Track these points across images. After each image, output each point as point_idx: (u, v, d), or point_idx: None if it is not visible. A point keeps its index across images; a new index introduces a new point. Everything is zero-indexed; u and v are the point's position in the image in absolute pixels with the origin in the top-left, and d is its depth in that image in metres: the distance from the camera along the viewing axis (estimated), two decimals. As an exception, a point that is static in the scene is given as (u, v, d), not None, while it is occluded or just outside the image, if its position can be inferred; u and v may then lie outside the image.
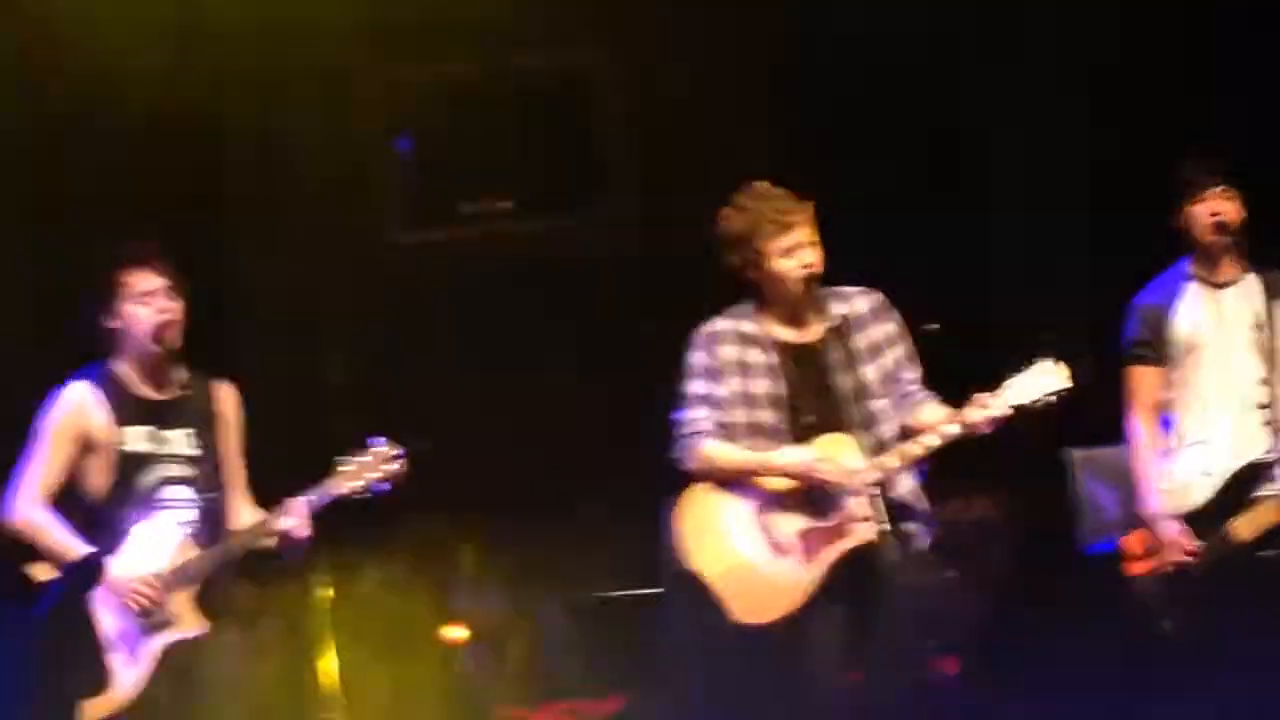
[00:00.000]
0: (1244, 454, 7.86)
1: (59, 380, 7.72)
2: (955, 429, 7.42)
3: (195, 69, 10.54)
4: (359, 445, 7.67)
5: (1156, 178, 8.18)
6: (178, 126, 10.54)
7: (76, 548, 7.50)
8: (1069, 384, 7.37)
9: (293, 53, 10.57)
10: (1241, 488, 7.83)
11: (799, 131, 10.58)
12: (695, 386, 7.71)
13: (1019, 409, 7.38)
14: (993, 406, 7.38)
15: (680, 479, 7.68)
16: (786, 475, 7.52)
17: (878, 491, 7.32)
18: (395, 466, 7.62)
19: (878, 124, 10.75)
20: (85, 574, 7.44)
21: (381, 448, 7.65)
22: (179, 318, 7.65)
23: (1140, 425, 8.04)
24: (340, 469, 7.64)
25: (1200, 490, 7.90)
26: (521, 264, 10.80)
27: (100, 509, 7.64)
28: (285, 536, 7.60)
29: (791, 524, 7.53)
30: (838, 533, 7.46)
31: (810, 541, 7.49)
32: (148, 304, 7.64)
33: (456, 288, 10.76)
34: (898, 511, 7.44)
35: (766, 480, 7.58)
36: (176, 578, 7.52)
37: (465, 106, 10.91)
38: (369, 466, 7.63)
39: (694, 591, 7.50)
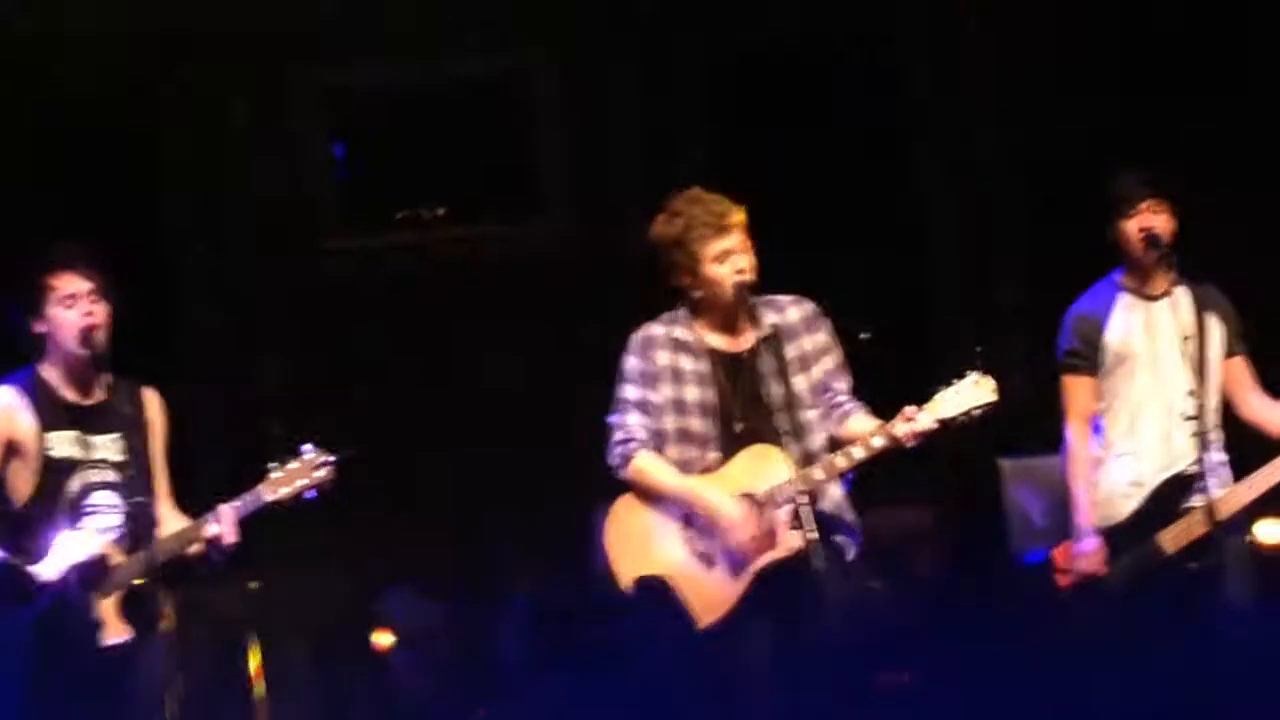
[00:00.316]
0: (1172, 465, 7.78)
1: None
2: (881, 442, 7.29)
3: (134, 75, 10.45)
4: (290, 452, 7.47)
5: (1093, 187, 8.09)
6: (114, 132, 10.44)
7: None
8: (995, 398, 7.24)
9: (230, 58, 10.49)
10: (1169, 499, 7.75)
11: (736, 136, 10.53)
12: (628, 391, 7.61)
13: (944, 423, 7.25)
14: (919, 420, 7.24)
15: (612, 483, 7.59)
16: (705, 513, 7.44)
17: (806, 502, 7.17)
18: (324, 474, 7.45)
19: (816, 127, 10.70)
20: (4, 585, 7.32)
21: (311, 455, 7.49)
22: (104, 321, 7.47)
23: (1075, 435, 7.95)
24: (270, 475, 7.47)
25: (1128, 501, 7.83)
26: (455, 269, 10.69)
27: (24, 515, 7.43)
28: (212, 543, 7.40)
29: (675, 545, 7.49)
30: (765, 544, 7.34)
31: (737, 552, 7.38)
32: (73, 307, 7.45)
33: (390, 292, 10.65)
34: (826, 523, 7.32)
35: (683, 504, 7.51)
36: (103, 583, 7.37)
37: (399, 113, 10.83)
38: (299, 474, 7.45)
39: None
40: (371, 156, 10.91)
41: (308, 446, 7.49)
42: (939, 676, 8.81)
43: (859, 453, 7.31)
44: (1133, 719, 7.54)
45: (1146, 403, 7.88)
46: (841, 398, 7.58)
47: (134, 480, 7.48)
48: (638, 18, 10.73)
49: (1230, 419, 7.90)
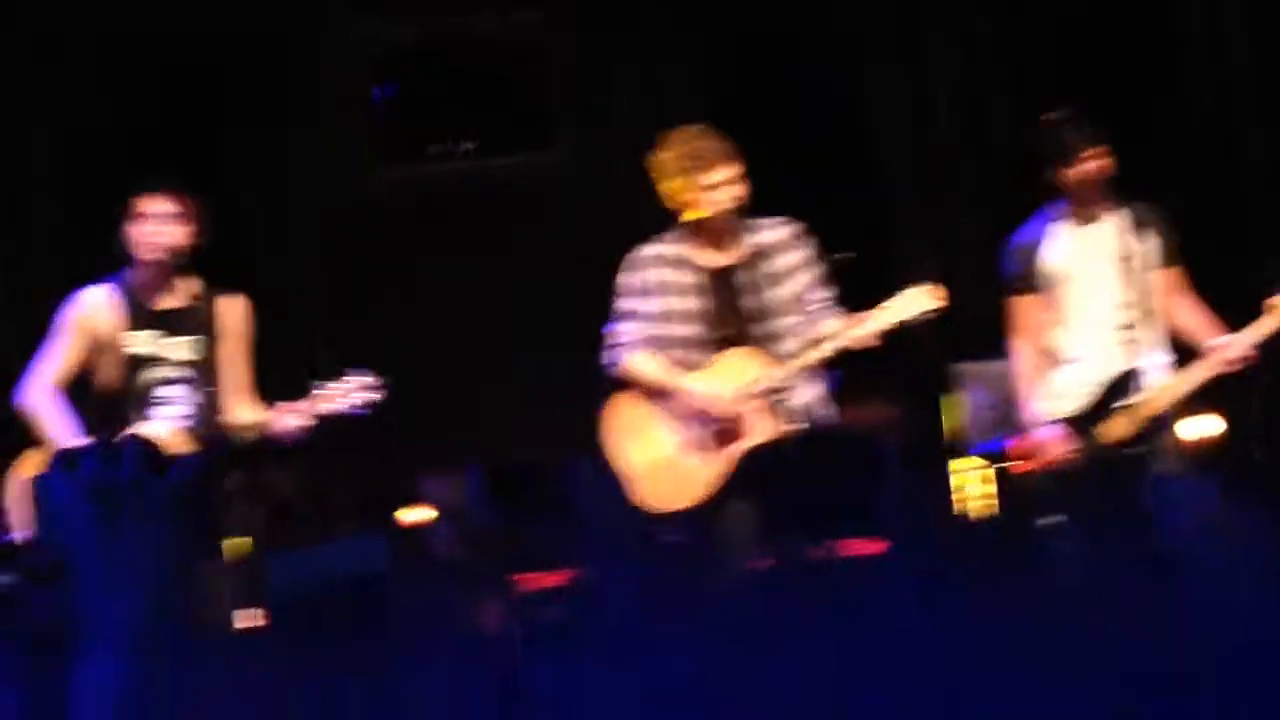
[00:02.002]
0: (1110, 369, 7.68)
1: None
2: (843, 340, 7.34)
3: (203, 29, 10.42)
4: (335, 374, 7.36)
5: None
6: (186, 80, 10.42)
7: (63, 436, 7.23)
8: (942, 304, 7.32)
9: (288, 14, 10.46)
10: (1108, 397, 7.67)
11: (729, 78, 10.49)
12: (625, 304, 7.61)
13: (891, 327, 7.33)
14: (876, 320, 7.32)
15: (610, 385, 7.62)
16: (689, 402, 7.47)
17: (781, 397, 7.30)
18: (372, 395, 7.42)
19: (798, 76, 10.67)
20: (68, 462, 7.28)
21: (361, 377, 7.46)
22: (176, 240, 7.43)
23: (1021, 349, 7.85)
24: (314, 393, 7.44)
25: (1074, 400, 7.72)
26: (481, 196, 10.66)
27: (107, 404, 7.38)
28: (286, 428, 7.36)
29: (699, 425, 7.50)
30: (741, 434, 7.39)
31: (717, 439, 7.42)
32: (146, 224, 7.44)
33: (425, 217, 10.62)
34: (804, 415, 7.36)
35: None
36: None
37: (433, 61, 10.79)
38: (346, 392, 7.42)
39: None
40: (409, 100, 10.85)
41: (352, 371, 7.46)
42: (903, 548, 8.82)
43: (823, 349, 7.35)
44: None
45: (1084, 316, 7.74)
46: (815, 305, 7.54)
47: (205, 379, 7.44)
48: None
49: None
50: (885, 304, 7.37)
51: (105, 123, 10.23)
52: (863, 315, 7.35)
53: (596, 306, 7.77)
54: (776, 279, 7.57)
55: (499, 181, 10.57)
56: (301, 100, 10.49)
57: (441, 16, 10.59)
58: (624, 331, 7.60)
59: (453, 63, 10.72)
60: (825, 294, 7.56)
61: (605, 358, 7.63)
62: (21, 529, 7.41)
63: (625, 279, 7.64)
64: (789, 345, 7.48)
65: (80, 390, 7.41)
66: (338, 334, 9.45)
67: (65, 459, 7.21)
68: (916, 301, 7.37)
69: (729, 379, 7.48)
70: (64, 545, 7.11)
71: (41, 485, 7.22)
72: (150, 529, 7.09)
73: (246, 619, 8.70)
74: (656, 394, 7.55)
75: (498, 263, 10.38)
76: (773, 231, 7.61)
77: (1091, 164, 7.70)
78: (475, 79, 10.78)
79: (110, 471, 7.17)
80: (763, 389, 7.39)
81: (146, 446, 7.26)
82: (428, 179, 10.65)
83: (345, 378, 7.40)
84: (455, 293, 10.45)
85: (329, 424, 7.31)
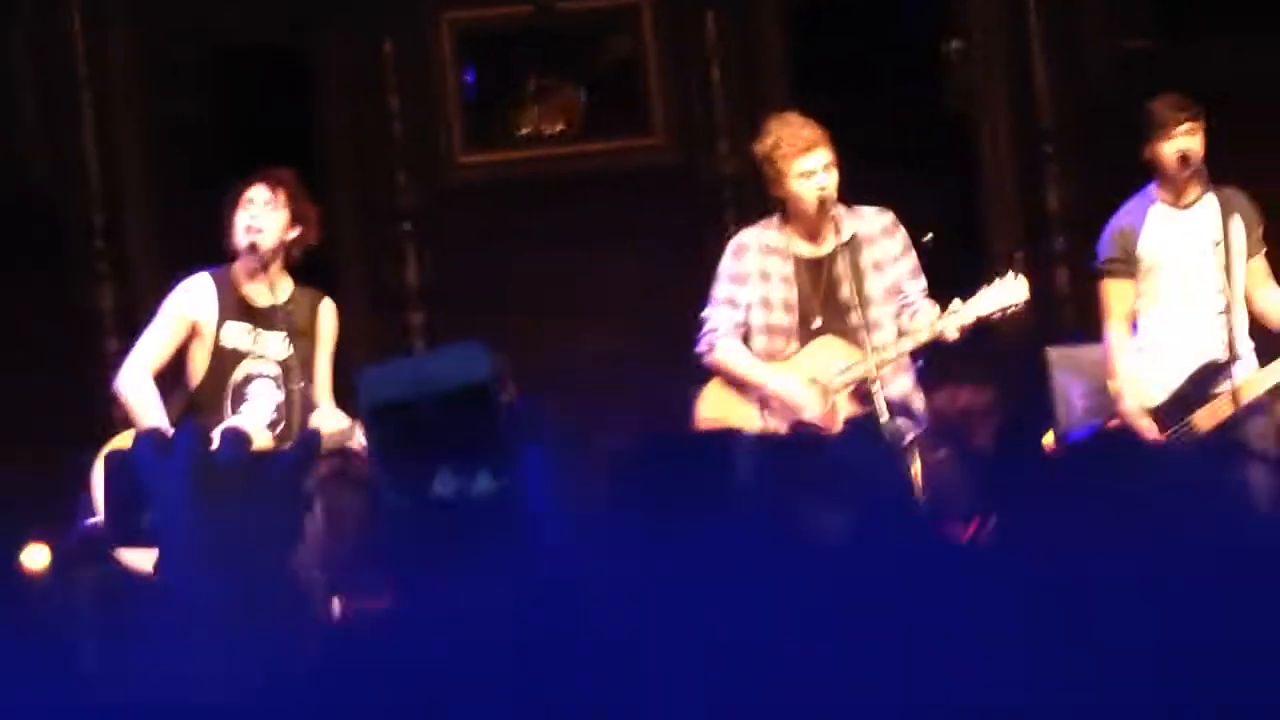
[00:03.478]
0: (1203, 355, 7.68)
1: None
2: (925, 335, 7.41)
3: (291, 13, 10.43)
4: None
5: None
6: (274, 64, 10.43)
7: (154, 419, 7.22)
8: (1026, 296, 7.39)
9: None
10: (1201, 384, 7.67)
11: (817, 66, 10.44)
12: (720, 289, 7.65)
13: (982, 319, 7.41)
14: (962, 314, 7.38)
15: (702, 371, 7.69)
16: (775, 396, 7.51)
17: (874, 387, 7.31)
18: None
19: (882, 63, 10.61)
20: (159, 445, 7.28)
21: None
22: (270, 230, 7.38)
23: (1115, 332, 7.83)
24: None
25: (1164, 389, 7.73)
26: (573, 181, 10.62)
27: (197, 392, 7.45)
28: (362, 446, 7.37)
29: (786, 419, 7.52)
30: (829, 424, 7.42)
31: (804, 431, 7.28)
32: (244, 209, 7.39)
33: (515, 202, 10.58)
34: (891, 406, 7.37)
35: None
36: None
37: (522, 43, 10.75)
38: None
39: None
40: (498, 82, 10.82)
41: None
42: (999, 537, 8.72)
43: (908, 343, 7.44)
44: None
45: (1179, 302, 7.75)
46: (912, 298, 7.57)
47: (294, 377, 7.44)
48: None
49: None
50: (975, 296, 7.43)
51: (200, 115, 10.22)
52: (951, 308, 7.42)
53: (697, 291, 7.85)
54: (872, 268, 7.60)
55: (595, 168, 10.51)
56: (389, 88, 10.45)
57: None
58: (717, 318, 7.63)
59: (546, 44, 10.65)
60: (919, 284, 7.61)
61: (699, 344, 7.66)
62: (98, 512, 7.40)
63: (725, 265, 7.69)
64: (882, 335, 7.52)
65: (174, 378, 7.49)
66: (436, 327, 9.35)
67: (155, 440, 7.20)
68: (1005, 293, 7.44)
69: (817, 369, 7.54)
70: (156, 522, 7.10)
71: (129, 461, 7.19)
72: (247, 512, 7.09)
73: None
74: (743, 385, 7.59)
75: (597, 250, 10.33)
76: (869, 220, 7.65)
77: (1184, 140, 7.65)
78: (568, 61, 10.70)
79: (205, 455, 7.16)
80: (850, 380, 7.43)
81: (240, 435, 7.24)
82: (517, 164, 10.60)
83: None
84: (546, 275, 10.39)
85: None
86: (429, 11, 10.56)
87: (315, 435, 7.27)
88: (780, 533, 6.75)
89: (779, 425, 7.46)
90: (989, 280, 7.47)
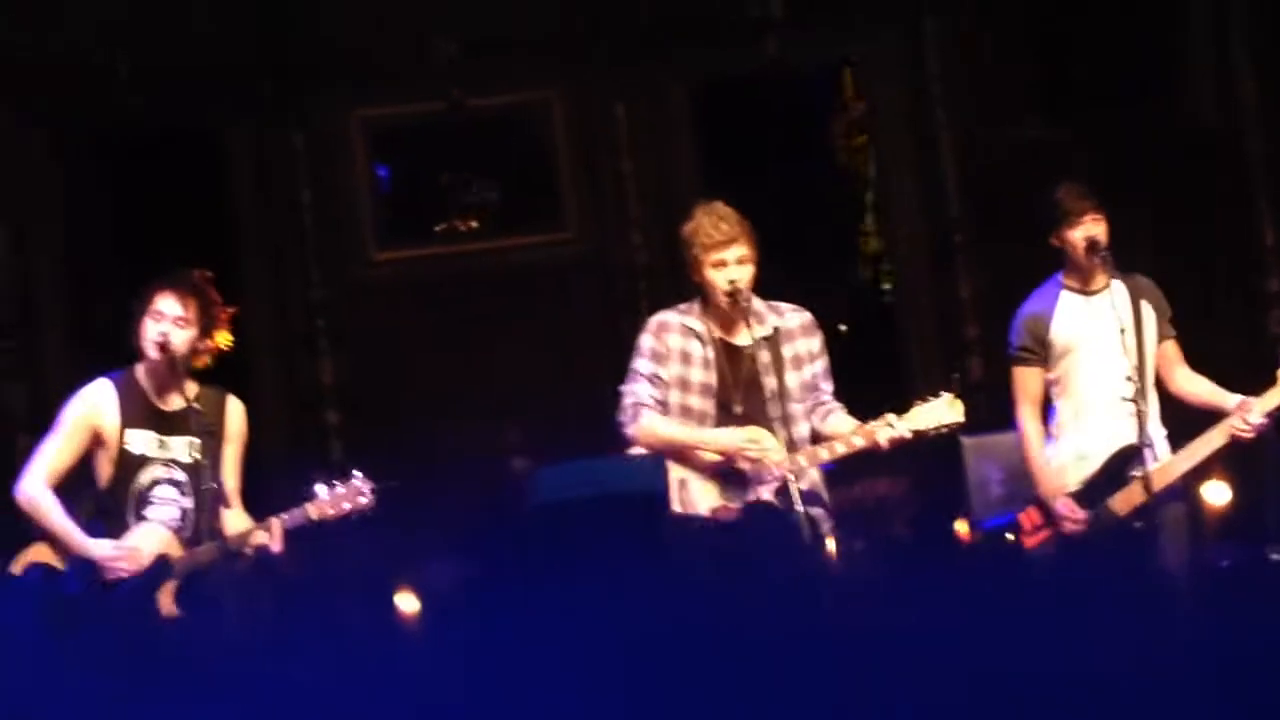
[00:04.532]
0: (1115, 441, 7.71)
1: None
2: (862, 442, 7.43)
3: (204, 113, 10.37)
4: (340, 475, 7.36)
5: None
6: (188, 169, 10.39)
7: (74, 533, 7.25)
8: (962, 419, 7.44)
9: (292, 96, 10.42)
10: (1116, 470, 7.70)
11: (723, 154, 10.48)
12: (641, 365, 7.64)
13: (918, 433, 7.43)
14: (896, 429, 7.39)
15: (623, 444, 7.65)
16: (718, 451, 7.48)
17: (793, 479, 7.28)
18: (366, 500, 7.31)
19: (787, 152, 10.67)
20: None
21: (358, 481, 7.34)
22: (179, 344, 7.31)
23: (1028, 418, 7.89)
24: (318, 497, 7.31)
25: (1078, 472, 7.77)
26: (487, 274, 10.60)
27: (103, 496, 7.38)
28: (259, 548, 7.27)
29: (707, 498, 7.48)
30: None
31: (720, 516, 7.44)
32: (159, 322, 7.33)
33: (430, 296, 10.55)
34: (806, 499, 7.34)
35: (691, 457, 7.51)
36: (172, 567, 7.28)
37: (433, 141, 10.73)
38: (344, 498, 7.31)
39: None
40: (411, 179, 10.80)
41: (356, 473, 7.36)
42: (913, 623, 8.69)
43: (841, 448, 7.44)
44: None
45: (1091, 388, 7.81)
46: (826, 397, 7.64)
47: (201, 481, 7.34)
48: (636, 58, 10.62)
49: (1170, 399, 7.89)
50: (912, 413, 7.45)
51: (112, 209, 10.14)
52: (888, 418, 7.43)
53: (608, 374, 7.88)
54: (791, 363, 7.63)
55: (510, 263, 10.49)
56: (302, 185, 10.40)
57: (441, 96, 10.50)
58: (640, 391, 7.63)
59: (457, 140, 10.64)
60: (830, 385, 7.71)
61: (620, 416, 7.65)
62: None
63: (645, 342, 7.69)
64: (798, 430, 7.56)
65: (81, 484, 7.41)
66: (348, 428, 9.32)
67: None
68: (941, 414, 7.46)
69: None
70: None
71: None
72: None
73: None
74: (676, 453, 7.54)
75: (513, 344, 10.29)
76: (788, 317, 7.70)
77: (1091, 227, 7.72)
78: (480, 156, 10.70)
79: (51, 591, 7.08)
80: (779, 473, 7.39)
81: (87, 567, 7.16)
82: (432, 260, 10.57)
83: (349, 481, 7.29)
84: (459, 370, 10.35)
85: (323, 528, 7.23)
86: (341, 107, 10.55)
87: (164, 561, 7.18)
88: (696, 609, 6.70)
89: (703, 496, 7.47)
90: (925, 397, 7.48)
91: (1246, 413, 7.58)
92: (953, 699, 6.24)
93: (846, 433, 7.46)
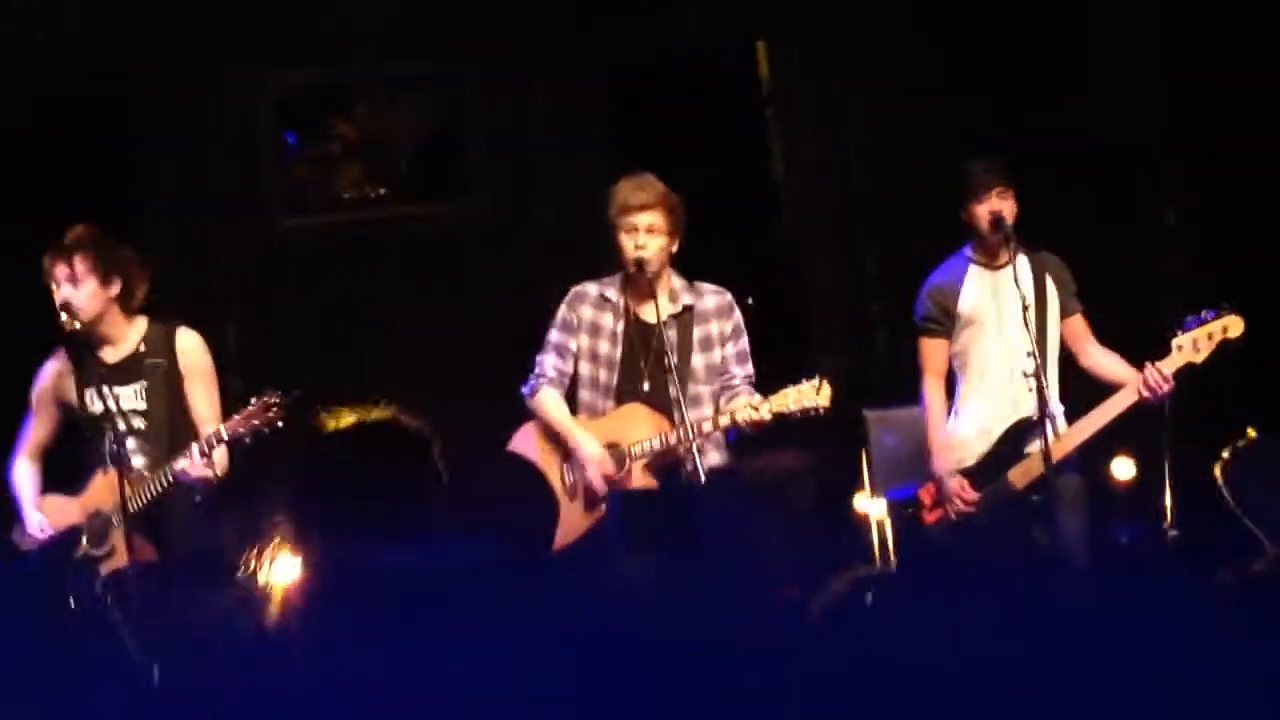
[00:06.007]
0: (1015, 414, 7.81)
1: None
2: (725, 421, 7.49)
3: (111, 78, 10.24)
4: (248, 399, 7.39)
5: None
6: (92, 127, 10.24)
7: (23, 510, 7.49)
8: (827, 404, 7.48)
9: (199, 61, 10.29)
10: (1014, 443, 7.79)
11: (634, 129, 10.45)
12: (552, 335, 7.73)
13: (778, 416, 7.47)
14: (760, 412, 7.44)
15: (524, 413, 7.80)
16: (575, 451, 7.60)
17: (694, 450, 7.34)
18: (273, 414, 7.26)
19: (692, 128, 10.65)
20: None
21: (266, 398, 7.31)
22: (82, 302, 7.31)
23: (932, 390, 7.99)
24: (232, 415, 7.33)
25: (978, 445, 7.86)
26: (394, 243, 10.53)
27: (91, 461, 7.46)
28: (185, 475, 7.24)
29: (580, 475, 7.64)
30: (619, 486, 7.56)
31: (591, 489, 7.58)
32: (57, 288, 7.35)
33: (336, 264, 10.47)
34: (711, 472, 7.44)
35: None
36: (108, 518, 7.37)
37: (344, 106, 10.66)
38: (253, 414, 7.27)
39: None
40: (321, 147, 10.71)
41: (267, 390, 7.34)
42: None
43: (708, 426, 7.50)
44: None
45: (992, 361, 7.93)
46: (736, 381, 7.70)
47: (155, 426, 7.41)
48: (550, 30, 10.56)
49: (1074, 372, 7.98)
50: (779, 395, 7.51)
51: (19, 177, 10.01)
52: (752, 403, 7.51)
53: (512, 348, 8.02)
54: (700, 344, 7.69)
55: (416, 231, 10.43)
56: (209, 150, 10.30)
57: (351, 62, 10.41)
58: (546, 363, 7.73)
59: (369, 107, 10.56)
60: (746, 370, 7.80)
61: (525, 385, 7.75)
62: None
63: (560, 312, 7.77)
64: (701, 412, 7.63)
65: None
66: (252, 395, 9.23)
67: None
68: (808, 398, 7.49)
69: (623, 433, 7.62)
70: None
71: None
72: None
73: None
74: (554, 434, 7.67)
75: (418, 311, 10.24)
76: (706, 298, 7.76)
77: (998, 203, 7.75)
78: (391, 125, 10.63)
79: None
80: (649, 452, 7.54)
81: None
82: (338, 227, 10.48)
83: (255, 401, 7.26)
84: (362, 337, 10.28)
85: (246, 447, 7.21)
86: (249, 73, 10.44)
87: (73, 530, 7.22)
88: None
89: (575, 479, 7.57)
90: (795, 380, 7.53)
91: (1154, 373, 7.62)
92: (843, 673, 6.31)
93: (711, 413, 7.54)
